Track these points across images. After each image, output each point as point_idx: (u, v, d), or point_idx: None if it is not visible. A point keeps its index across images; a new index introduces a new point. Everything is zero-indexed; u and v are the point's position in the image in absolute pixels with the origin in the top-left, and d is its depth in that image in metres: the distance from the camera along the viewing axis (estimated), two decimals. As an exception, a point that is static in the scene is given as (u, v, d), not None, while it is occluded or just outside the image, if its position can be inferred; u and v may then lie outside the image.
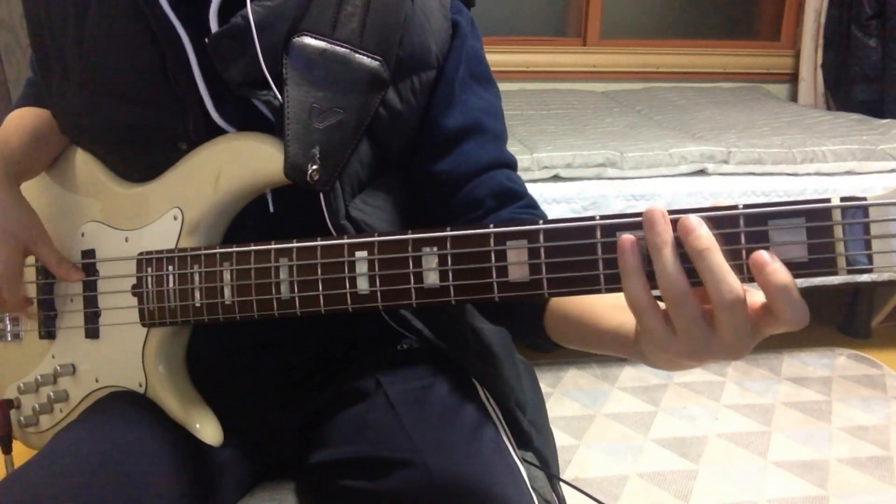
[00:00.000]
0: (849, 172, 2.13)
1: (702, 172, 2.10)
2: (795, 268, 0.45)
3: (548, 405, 0.88)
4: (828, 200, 0.44)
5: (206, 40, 0.63)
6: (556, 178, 2.00)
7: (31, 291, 0.78)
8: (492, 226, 0.53)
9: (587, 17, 3.12)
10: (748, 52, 3.25)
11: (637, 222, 0.48)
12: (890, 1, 2.84)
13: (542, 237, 0.51)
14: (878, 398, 1.99)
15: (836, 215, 0.44)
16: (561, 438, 1.75)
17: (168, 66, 0.64)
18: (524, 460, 0.81)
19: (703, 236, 0.44)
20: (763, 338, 0.46)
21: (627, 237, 0.46)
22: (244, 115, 0.66)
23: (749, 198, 2.05)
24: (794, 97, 3.22)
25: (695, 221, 0.44)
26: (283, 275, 0.60)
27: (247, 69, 0.63)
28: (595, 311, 0.58)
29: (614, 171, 2.02)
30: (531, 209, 0.73)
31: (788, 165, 2.10)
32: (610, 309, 0.56)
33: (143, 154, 0.70)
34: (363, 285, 0.57)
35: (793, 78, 3.23)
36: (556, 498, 0.78)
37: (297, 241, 0.59)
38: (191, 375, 0.71)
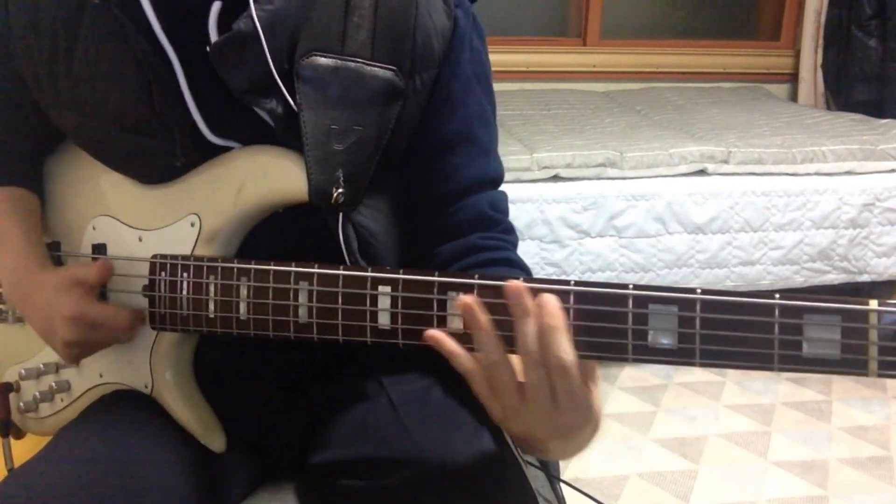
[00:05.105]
0: (849, 172, 2.13)
1: (702, 172, 2.10)
2: (824, 364, 0.45)
3: (548, 405, 0.88)
4: (866, 302, 0.45)
5: (208, 49, 0.62)
6: (556, 178, 2.01)
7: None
8: (521, 279, 0.52)
9: (587, 17, 3.11)
10: (748, 52, 3.25)
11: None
12: (890, 1, 2.84)
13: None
14: (878, 398, 2.00)
15: (873, 318, 0.44)
16: (561, 438, 1.75)
17: (153, 94, 0.64)
18: (525, 460, 0.81)
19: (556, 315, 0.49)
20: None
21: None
22: (237, 131, 0.65)
23: (749, 198, 2.06)
24: (794, 97, 3.22)
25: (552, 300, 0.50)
26: (302, 298, 0.59)
27: (252, 75, 0.62)
28: None
29: (614, 171, 2.03)
30: (505, 236, 0.72)
31: (788, 165, 2.10)
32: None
33: (139, 171, 0.70)
34: (384, 320, 0.57)
35: (793, 78, 3.24)
36: (555, 498, 0.78)
37: (319, 267, 0.59)
38: (194, 377, 0.71)
